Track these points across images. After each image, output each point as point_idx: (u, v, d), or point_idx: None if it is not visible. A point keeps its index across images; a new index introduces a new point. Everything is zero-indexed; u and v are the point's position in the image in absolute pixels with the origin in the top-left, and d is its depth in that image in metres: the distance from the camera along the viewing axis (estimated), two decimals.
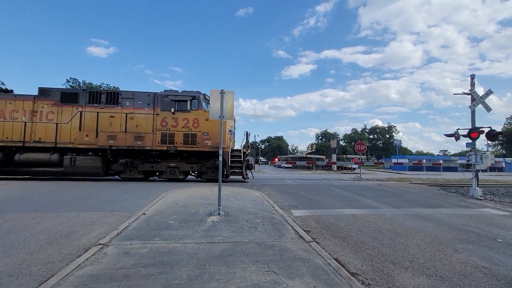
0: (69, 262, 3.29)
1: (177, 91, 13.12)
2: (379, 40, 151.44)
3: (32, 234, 4.42)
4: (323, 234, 4.86)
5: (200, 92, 13.04)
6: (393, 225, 5.59)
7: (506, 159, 47.71)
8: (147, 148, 12.49)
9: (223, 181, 12.30)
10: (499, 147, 61.71)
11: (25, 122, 12.14)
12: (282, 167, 47.72)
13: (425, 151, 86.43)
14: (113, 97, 12.66)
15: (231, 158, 12.81)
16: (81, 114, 12.35)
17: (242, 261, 3.35)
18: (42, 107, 12.30)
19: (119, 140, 12.37)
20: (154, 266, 3.16)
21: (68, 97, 12.51)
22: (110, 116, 12.43)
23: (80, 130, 12.28)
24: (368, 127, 78.77)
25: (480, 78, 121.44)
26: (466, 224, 5.82)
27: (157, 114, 12.54)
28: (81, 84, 41.25)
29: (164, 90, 13.06)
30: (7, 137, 12.08)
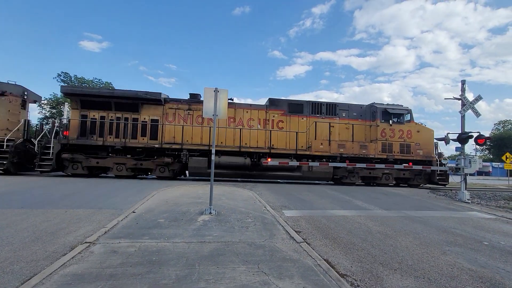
0: (54, 261, 3.20)
1: (385, 103, 14.36)
2: (374, 44, 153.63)
3: (16, 231, 4.30)
4: (314, 235, 4.87)
5: (402, 106, 14.54)
6: (383, 227, 5.65)
7: (493, 163, 49.00)
8: (370, 156, 13.42)
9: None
10: (487, 152, 63.23)
11: (270, 131, 13.12)
12: None
13: None
14: (331, 108, 13.86)
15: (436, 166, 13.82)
16: (316, 124, 13.41)
17: (232, 261, 3.33)
18: (273, 116, 13.37)
19: (348, 149, 13.36)
20: (142, 266, 3.11)
21: (295, 107, 13.59)
22: (331, 126, 13.52)
23: (315, 138, 13.31)
24: None
25: (470, 84, 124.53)
26: (454, 227, 5.93)
27: (377, 126, 13.60)
28: (72, 79, 40.40)
29: (372, 103, 14.16)
30: (245, 143, 12.95)
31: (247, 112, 13.27)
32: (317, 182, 14.03)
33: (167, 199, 7.27)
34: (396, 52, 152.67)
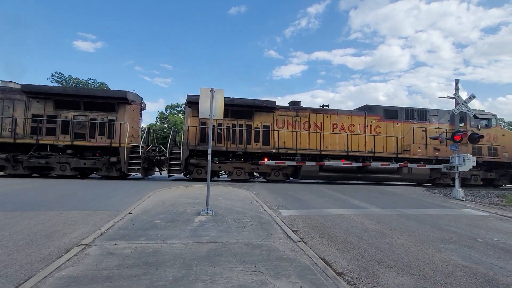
0: (49, 263, 3.17)
1: (470, 110, 16.00)
2: (369, 43, 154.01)
3: (10, 234, 4.24)
4: (310, 234, 4.89)
5: (484, 111, 15.72)
6: (379, 225, 5.69)
7: None
8: None
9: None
10: None
11: (374, 136, 13.92)
12: None
13: None
14: (422, 113, 14.80)
15: None
16: (413, 129, 14.15)
17: (229, 261, 3.33)
18: (371, 121, 14.27)
19: (442, 152, 14.14)
20: (139, 267, 3.09)
21: (390, 113, 14.51)
22: (425, 131, 14.20)
23: (413, 142, 14.06)
24: None
25: (464, 83, 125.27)
26: (448, 224, 6.00)
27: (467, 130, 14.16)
28: (67, 79, 39.96)
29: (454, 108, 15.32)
30: (348, 148, 13.62)
31: (348, 118, 14.15)
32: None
33: (164, 200, 7.23)
34: (391, 51, 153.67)
